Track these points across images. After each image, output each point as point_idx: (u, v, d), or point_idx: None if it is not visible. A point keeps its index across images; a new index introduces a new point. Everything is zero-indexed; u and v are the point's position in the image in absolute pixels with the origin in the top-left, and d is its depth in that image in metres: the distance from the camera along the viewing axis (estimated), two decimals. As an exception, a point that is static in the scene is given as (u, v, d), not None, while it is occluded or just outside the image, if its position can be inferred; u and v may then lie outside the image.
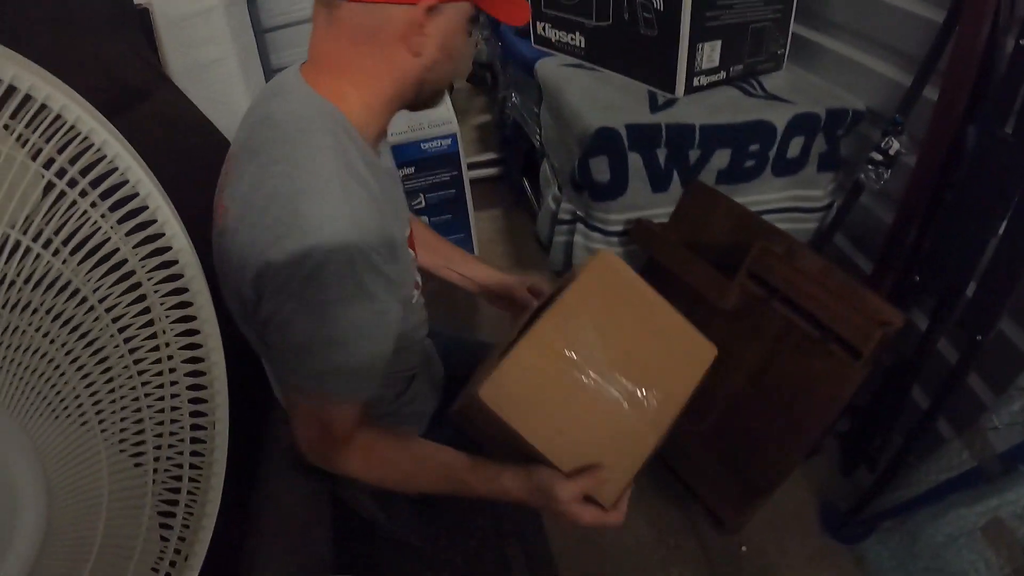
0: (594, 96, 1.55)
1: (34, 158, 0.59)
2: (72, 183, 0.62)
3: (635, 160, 1.43)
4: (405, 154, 2.08)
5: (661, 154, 1.44)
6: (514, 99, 2.20)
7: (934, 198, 1.29)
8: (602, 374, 0.81)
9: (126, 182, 0.66)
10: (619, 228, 1.51)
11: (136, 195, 0.67)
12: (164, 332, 0.71)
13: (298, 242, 0.69)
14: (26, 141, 0.58)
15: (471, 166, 2.72)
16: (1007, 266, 1.13)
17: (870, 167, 1.38)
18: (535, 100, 1.89)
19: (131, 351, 0.68)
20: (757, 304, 1.24)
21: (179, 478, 0.75)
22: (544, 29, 1.86)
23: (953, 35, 1.22)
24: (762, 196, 1.55)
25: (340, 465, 0.86)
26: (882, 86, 1.48)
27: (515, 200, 2.67)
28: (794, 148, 1.49)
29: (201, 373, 0.76)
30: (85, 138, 0.62)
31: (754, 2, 1.51)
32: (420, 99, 0.87)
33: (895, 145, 1.36)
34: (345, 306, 0.73)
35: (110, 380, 0.67)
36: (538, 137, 1.92)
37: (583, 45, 1.73)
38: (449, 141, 2.05)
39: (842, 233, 1.59)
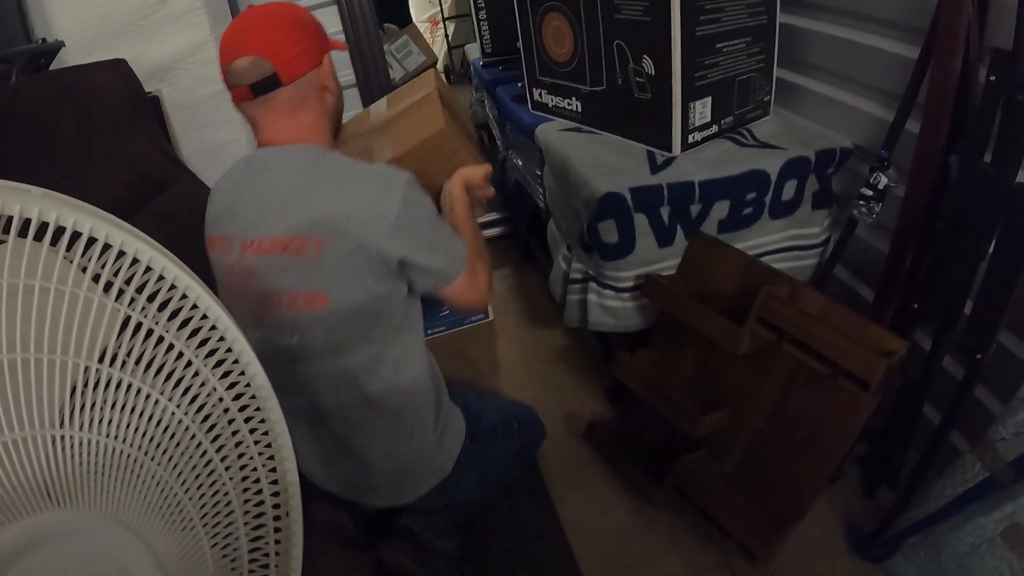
0: (596, 160, 1.65)
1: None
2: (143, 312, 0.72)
3: (640, 220, 1.53)
4: None
5: (665, 212, 1.54)
6: (515, 160, 2.31)
7: (925, 227, 1.37)
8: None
9: (194, 306, 0.76)
10: (630, 284, 1.60)
11: (205, 317, 0.77)
12: (247, 444, 0.80)
13: (389, 187, 1.09)
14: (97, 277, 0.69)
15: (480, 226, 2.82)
16: (998, 286, 1.19)
17: (861, 203, 1.47)
18: (537, 163, 2.00)
19: (223, 459, 0.78)
20: (768, 347, 1.33)
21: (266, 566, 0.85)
22: (541, 95, 1.97)
23: (928, 70, 1.30)
24: (762, 239, 1.65)
25: (485, 288, 1.29)
26: (866, 123, 1.58)
27: (524, 258, 2.76)
28: (788, 191, 1.59)
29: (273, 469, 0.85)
30: (159, 276, 0.73)
31: (737, 56, 1.62)
32: (339, 124, 1.31)
33: (883, 180, 1.44)
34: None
35: (212, 485, 0.77)
36: (542, 199, 2.02)
37: (580, 110, 1.84)
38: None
39: (842, 265, 1.67)
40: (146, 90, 1.93)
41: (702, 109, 1.60)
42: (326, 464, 1.32)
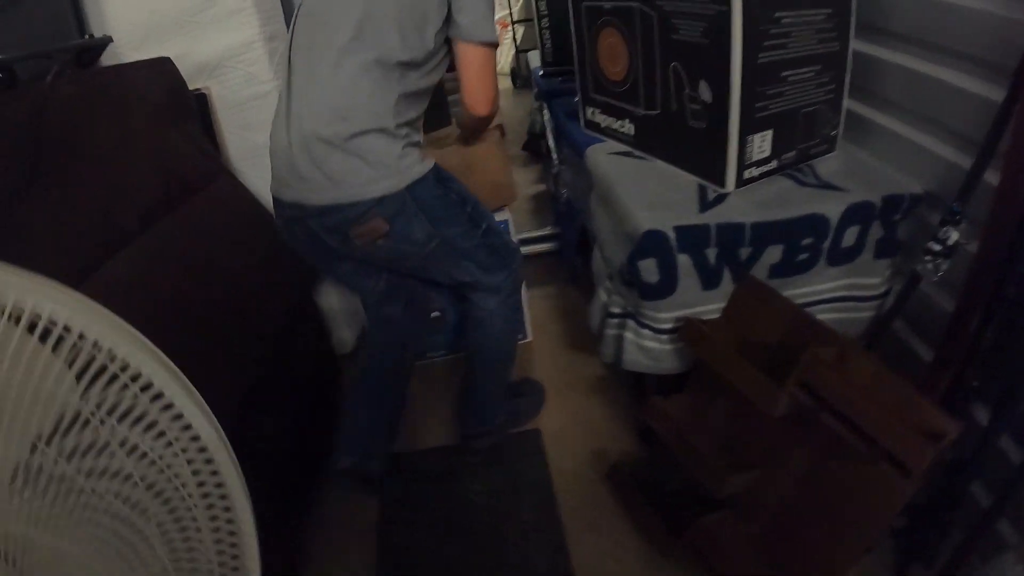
0: (643, 191, 1.57)
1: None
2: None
3: (684, 261, 1.44)
4: None
5: (711, 253, 1.44)
6: (567, 177, 2.25)
7: (995, 292, 1.24)
8: None
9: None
10: (669, 326, 1.51)
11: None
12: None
13: None
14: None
15: (526, 241, 2.76)
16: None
17: (927, 258, 1.35)
18: (586, 184, 1.92)
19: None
20: (806, 412, 1.24)
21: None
22: (593, 114, 1.90)
23: (1013, 116, 1.17)
24: (817, 287, 1.54)
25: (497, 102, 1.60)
26: (940, 168, 1.44)
27: (571, 277, 2.69)
28: (849, 237, 1.47)
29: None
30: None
31: (805, 86, 1.50)
32: None
33: (953, 235, 1.32)
34: None
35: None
36: (590, 222, 1.95)
37: (632, 133, 1.76)
38: (502, 227, 2.11)
39: (901, 318, 1.55)
40: (194, 87, 1.94)
41: (761, 143, 1.50)
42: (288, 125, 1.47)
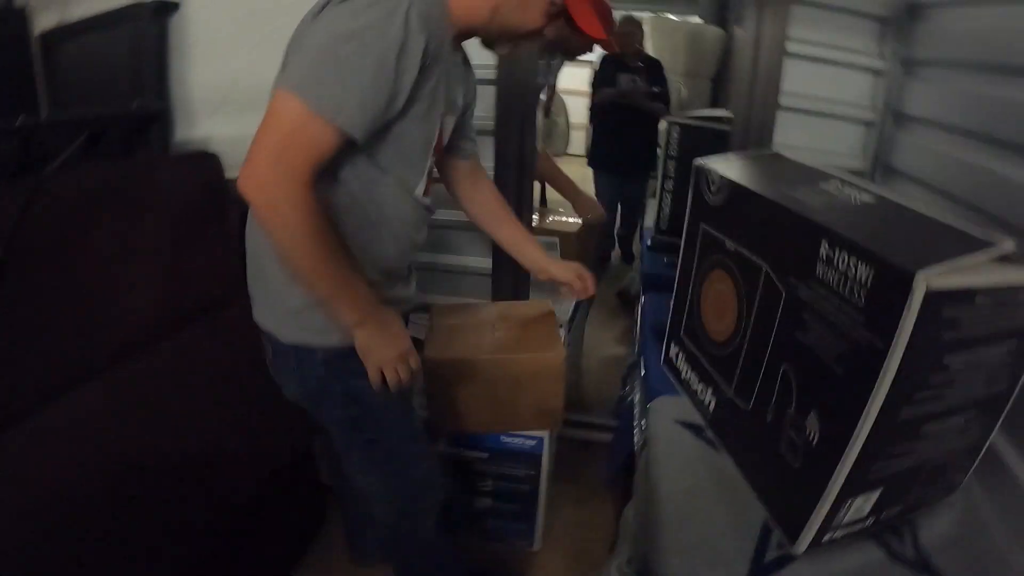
0: (689, 507, 1.22)
1: None
2: None
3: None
4: (484, 441, 1.92)
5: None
6: (633, 396, 1.93)
7: None
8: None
9: None
10: None
11: None
12: None
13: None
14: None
15: (576, 423, 2.45)
16: None
17: None
18: (642, 437, 1.60)
19: None
20: None
21: None
22: (677, 357, 1.57)
23: None
24: None
25: (278, 199, 1.03)
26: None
27: (608, 480, 2.34)
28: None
29: None
30: None
31: (946, 437, 1.12)
32: (487, 37, 1.30)
33: None
34: (372, 29, 1.02)
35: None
36: (636, 471, 1.62)
37: (712, 410, 1.41)
38: (534, 443, 1.83)
39: None
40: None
41: (862, 504, 1.13)
42: None
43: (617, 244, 4.43)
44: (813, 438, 1.11)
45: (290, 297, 1.24)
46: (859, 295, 0.97)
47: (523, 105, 2.11)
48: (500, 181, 2.16)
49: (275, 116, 1.03)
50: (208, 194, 1.62)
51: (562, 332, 2.20)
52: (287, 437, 1.59)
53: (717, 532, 1.19)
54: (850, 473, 1.05)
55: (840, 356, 1.04)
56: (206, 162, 1.63)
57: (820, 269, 1.05)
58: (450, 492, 2.02)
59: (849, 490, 1.08)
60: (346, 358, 1.27)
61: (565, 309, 2.44)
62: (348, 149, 1.11)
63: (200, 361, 1.54)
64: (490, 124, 2.16)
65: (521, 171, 2.20)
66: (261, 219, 1.09)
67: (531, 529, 2.11)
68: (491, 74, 2.09)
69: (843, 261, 1.00)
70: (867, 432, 1.01)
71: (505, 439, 1.92)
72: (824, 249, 1.04)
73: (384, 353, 1.25)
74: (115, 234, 1.42)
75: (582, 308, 2.71)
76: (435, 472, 1.59)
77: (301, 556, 2.03)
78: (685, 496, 1.26)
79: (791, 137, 2.09)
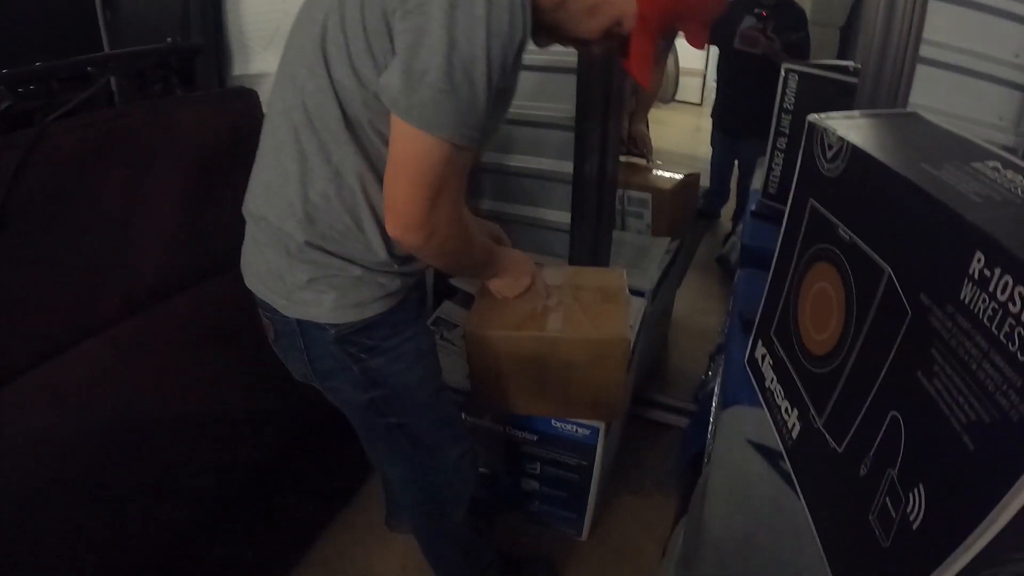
0: (746, 567, 0.96)
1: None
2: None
3: None
4: (534, 423, 1.75)
5: None
6: (715, 384, 1.65)
7: None
8: None
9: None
10: None
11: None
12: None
13: None
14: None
15: (654, 404, 2.19)
16: None
17: None
18: (710, 446, 1.33)
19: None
20: None
21: None
22: (762, 359, 1.27)
23: None
24: None
25: (446, 237, 1.02)
26: None
27: (673, 469, 2.08)
28: None
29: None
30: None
31: None
32: (554, 33, 1.12)
33: None
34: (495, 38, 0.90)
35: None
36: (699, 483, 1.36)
37: (794, 437, 1.11)
38: (588, 432, 1.61)
39: None
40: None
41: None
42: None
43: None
44: (915, 518, 0.80)
45: (297, 271, 1.13)
46: (1022, 343, 0.65)
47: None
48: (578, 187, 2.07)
49: (415, 161, 0.94)
50: (238, 136, 1.45)
51: (639, 308, 1.93)
52: (308, 400, 1.44)
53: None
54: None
55: (975, 424, 0.72)
56: (240, 101, 1.46)
57: (968, 292, 0.72)
58: (495, 467, 1.85)
59: (961, 589, 0.78)
60: (365, 333, 1.17)
61: (651, 276, 2.14)
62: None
63: (214, 318, 1.43)
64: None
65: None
66: (428, 259, 1.11)
67: (579, 519, 1.91)
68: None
69: (1005, 288, 0.67)
70: (992, 536, 0.70)
71: (556, 423, 1.70)
72: (977, 264, 0.71)
73: (514, 291, 1.49)
74: (123, 184, 1.31)
75: (673, 273, 2.41)
76: (468, 461, 1.44)
77: (335, 514, 1.91)
78: (737, 547, 0.99)
79: (928, 97, 1.68)
